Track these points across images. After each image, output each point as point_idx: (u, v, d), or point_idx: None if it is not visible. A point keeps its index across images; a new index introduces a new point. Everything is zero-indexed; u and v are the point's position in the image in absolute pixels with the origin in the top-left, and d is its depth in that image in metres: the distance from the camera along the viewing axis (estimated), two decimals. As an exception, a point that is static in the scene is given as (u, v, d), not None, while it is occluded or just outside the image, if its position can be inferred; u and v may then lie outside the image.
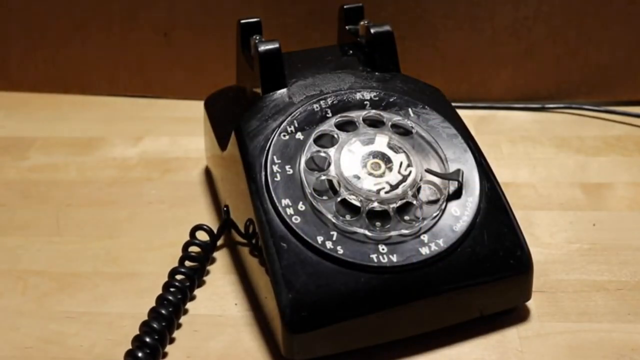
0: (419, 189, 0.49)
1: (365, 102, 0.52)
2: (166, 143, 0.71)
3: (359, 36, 0.57)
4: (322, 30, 0.73)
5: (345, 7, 0.59)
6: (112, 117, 0.76)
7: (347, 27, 0.59)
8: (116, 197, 0.63)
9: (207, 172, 0.65)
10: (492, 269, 0.47)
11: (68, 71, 0.79)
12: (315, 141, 0.50)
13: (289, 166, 0.49)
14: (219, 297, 0.52)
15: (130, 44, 0.77)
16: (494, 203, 0.49)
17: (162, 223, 0.60)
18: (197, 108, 0.64)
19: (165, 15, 0.76)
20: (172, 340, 0.49)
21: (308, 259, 0.46)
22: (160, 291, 0.52)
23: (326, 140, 0.50)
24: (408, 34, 0.74)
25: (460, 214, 0.48)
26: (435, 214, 0.48)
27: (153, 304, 0.50)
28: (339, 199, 0.48)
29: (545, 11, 0.73)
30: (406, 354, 0.47)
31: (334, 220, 0.47)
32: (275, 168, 0.48)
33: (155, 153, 0.69)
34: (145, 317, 0.49)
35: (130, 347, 0.47)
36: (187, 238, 0.55)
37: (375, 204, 0.48)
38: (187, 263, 0.53)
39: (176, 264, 0.53)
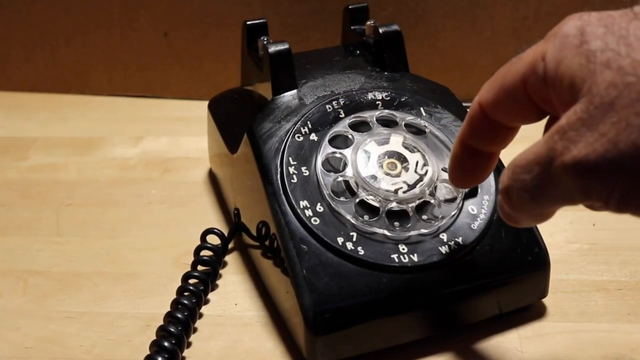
0: (435, 188, 0.49)
1: (377, 102, 0.52)
2: (166, 143, 0.71)
3: (365, 36, 0.57)
4: (322, 30, 0.73)
5: (350, 7, 0.59)
6: (112, 117, 0.76)
7: (352, 27, 0.59)
8: (116, 197, 0.63)
9: (208, 173, 0.65)
10: (510, 266, 0.47)
11: (68, 71, 0.79)
12: (330, 142, 0.50)
13: (305, 167, 0.48)
14: (219, 297, 0.52)
15: (130, 44, 0.77)
16: None
17: (162, 223, 0.60)
18: (197, 108, 0.64)
19: (165, 15, 0.76)
20: (172, 340, 0.49)
21: (329, 260, 0.45)
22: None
23: (340, 141, 0.50)
24: (408, 34, 0.73)
25: (477, 212, 0.48)
26: (453, 213, 0.48)
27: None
28: (357, 200, 0.48)
29: (545, 11, 0.73)
30: (407, 355, 0.47)
31: (353, 221, 0.47)
32: (291, 170, 0.48)
33: (155, 153, 0.69)
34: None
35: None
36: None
37: (394, 204, 0.48)
38: (200, 267, 0.53)
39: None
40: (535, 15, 0.73)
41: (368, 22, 0.57)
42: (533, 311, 0.50)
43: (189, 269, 0.52)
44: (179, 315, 0.48)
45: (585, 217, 0.59)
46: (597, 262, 0.54)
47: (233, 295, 0.52)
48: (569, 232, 0.57)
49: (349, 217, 0.47)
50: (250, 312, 0.51)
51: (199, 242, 0.54)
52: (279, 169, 0.48)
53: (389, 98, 0.52)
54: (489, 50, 0.75)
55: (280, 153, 0.49)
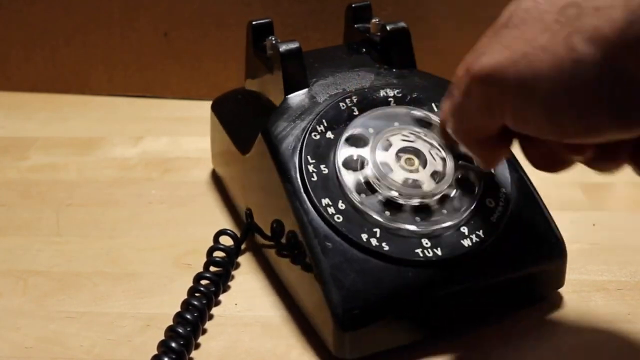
0: (454, 182, 0.49)
1: (390, 99, 0.52)
2: (166, 143, 0.71)
3: (369, 34, 0.57)
4: (322, 30, 0.73)
5: (353, 5, 0.59)
6: (112, 117, 0.76)
7: (355, 25, 0.59)
8: (116, 197, 0.63)
9: (209, 173, 0.65)
10: (530, 256, 0.48)
11: (68, 71, 0.79)
12: (347, 140, 0.50)
13: (324, 165, 0.48)
14: (219, 297, 0.52)
15: (130, 44, 0.77)
16: (524, 193, 0.50)
17: (162, 223, 0.60)
18: (197, 108, 0.64)
19: (165, 15, 0.76)
20: (172, 340, 0.49)
21: (354, 256, 0.46)
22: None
23: (357, 138, 0.50)
24: (408, 34, 0.74)
25: (494, 205, 0.48)
26: (472, 206, 0.48)
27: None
28: (378, 196, 0.48)
29: (545, 11, 0.73)
30: (406, 356, 0.47)
31: (376, 217, 0.47)
32: (310, 168, 0.48)
33: (155, 153, 0.69)
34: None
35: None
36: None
37: (415, 199, 0.48)
38: (212, 268, 0.52)
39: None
40: (536, 15, 0.73)
41: (373, 20, 0.57)
42: (534, 311, 0.50)
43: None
44: (189, 317, 0.47)
45: (585, 217, 0.59)
46: (597, 262, 0.54)
47: (233, 295, 0.52)
48: (569, 232, 0.57)
49: (371, 213, 0.47)
50: (250, 312, 0.51)
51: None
52: (297, 168, 0.48)
53: (400, 95, 0.52)
54: (489, 50, 0.75)
55: (298, 152, 0.49)
